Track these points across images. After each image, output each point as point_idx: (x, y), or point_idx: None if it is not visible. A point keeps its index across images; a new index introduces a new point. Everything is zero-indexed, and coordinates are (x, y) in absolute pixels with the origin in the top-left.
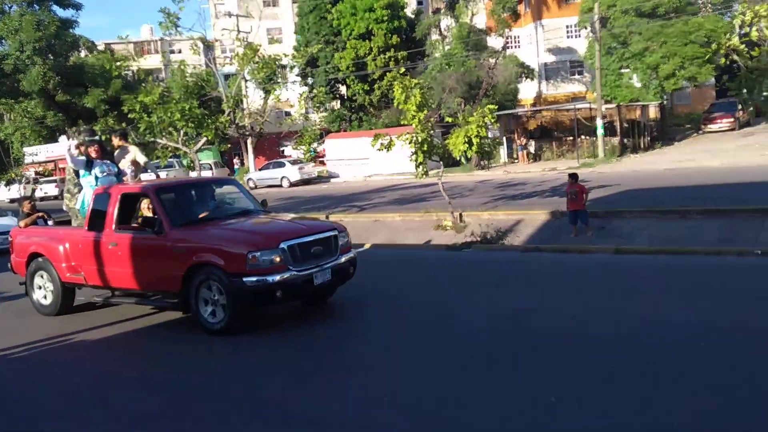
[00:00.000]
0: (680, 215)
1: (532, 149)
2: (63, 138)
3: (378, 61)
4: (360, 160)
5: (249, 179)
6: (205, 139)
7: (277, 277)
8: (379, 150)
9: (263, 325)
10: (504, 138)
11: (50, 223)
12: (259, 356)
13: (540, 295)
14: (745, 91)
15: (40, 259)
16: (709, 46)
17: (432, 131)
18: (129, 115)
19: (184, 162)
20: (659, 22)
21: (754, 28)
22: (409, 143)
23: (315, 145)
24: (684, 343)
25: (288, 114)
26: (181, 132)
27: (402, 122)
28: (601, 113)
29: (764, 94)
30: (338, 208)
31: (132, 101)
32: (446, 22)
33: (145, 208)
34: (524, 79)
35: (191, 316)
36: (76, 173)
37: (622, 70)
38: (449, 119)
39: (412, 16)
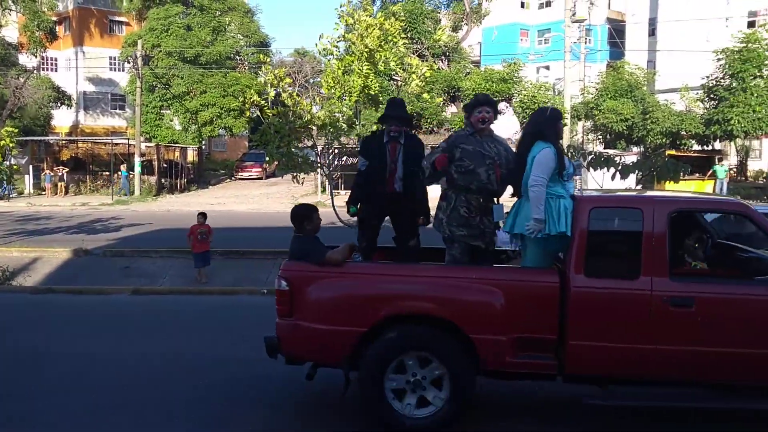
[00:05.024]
0: None
1: (65, 181)
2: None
3: None
4: None
5: None
6: None
7: None
8: None
9: None
10: (31, 167)
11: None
12: None
13: (48, 338)
14: (267, 145)
15: (410, 329)
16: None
17: None
18: None
19: None
20: (201, 70)
21: (272, 90)
22: None
23: None
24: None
25: None
26: None
27: None
28: (140, 151)
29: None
30: None
31: None
32: None
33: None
34: (60, 105)
35: None
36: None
37: (164, 111)
38: None
39: None
